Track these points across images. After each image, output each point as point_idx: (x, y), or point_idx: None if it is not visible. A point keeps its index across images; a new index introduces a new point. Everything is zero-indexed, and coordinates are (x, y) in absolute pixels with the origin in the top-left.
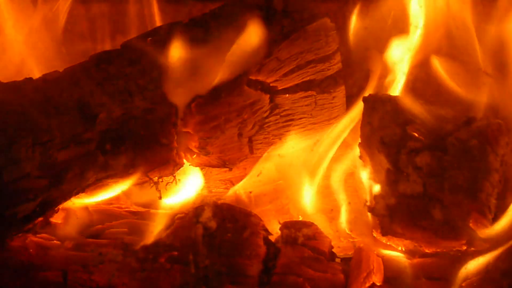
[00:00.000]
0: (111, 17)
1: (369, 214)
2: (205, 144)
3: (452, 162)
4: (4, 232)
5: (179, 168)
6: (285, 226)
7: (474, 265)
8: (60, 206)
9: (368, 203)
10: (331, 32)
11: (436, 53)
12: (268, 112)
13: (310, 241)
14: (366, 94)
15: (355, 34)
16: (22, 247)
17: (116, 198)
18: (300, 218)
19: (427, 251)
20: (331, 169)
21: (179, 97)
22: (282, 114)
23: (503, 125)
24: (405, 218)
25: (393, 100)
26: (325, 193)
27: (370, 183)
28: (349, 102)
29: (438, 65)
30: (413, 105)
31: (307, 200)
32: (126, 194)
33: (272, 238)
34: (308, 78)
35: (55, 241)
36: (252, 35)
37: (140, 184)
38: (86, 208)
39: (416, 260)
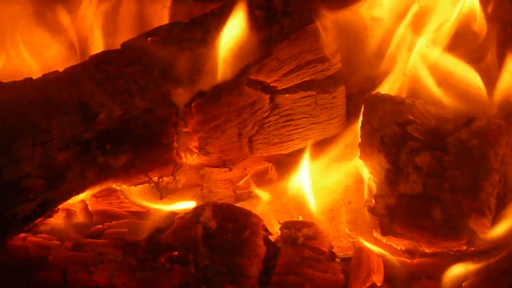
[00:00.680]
0: (110, 16)
1: (369, 214)
2: (205, 144)
3: (452, 162)
4: (4, 232)
5: (179, 168)
6: (285, 226)
7: (474, 265)
8: (60, 206)
9: (368, 203)
10: (331, 32)
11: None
12: (268, 112)
13: (310, 241)
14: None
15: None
16: (22, 247)
17: (116, 198)
18: (300, 218)
19: (427, 251)
20: (331, 169)
21: (179, 97)
22: (282, 114)
23: (503, 125)
24: (405, 218)
25: (393, 100)
26: (325, 193)
27: (370, 183)
28: (349, 102)
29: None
30: (413, 105)
31: (307, 200)
32: (126, 194)
33: (272, 238)
34: (308, 78)
35: (55, 241)
36: (252, 35)
37: (140, 184)
38: (86, 208)
39: (416, 260)
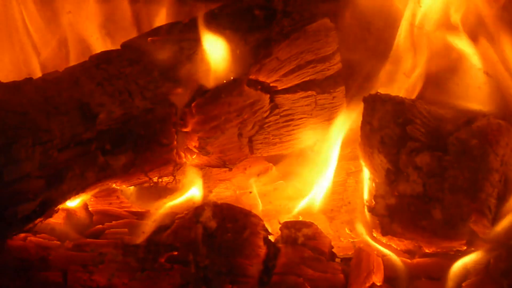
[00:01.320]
0: (110, 16)
1: (369, 214)
2: (205, 144)
3: (452, 162)
4: (4, 232)
5: (179, 168)
6: (285, 226)
7: (474, 265)
8: (60, 206)
9: (368, 203)
10: (331, 32)
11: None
12: (268, 112)
13: (310, 241)
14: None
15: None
16: (22, 247)
17: (116, 198)
18: (300, 218)
19: (427, 251)
20: (331, 169)
21: (179, 97)
22: (282, 114)
23: (503, 125)
24: (405, 218)
25: (393, 100)
26: (325, 193)
27: (370, 183)
28: (349, 102)
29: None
30: (413, 105)
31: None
32: (126, 194)
33: (272, 238)
34: (308, 78)
35: (55, 241)
36: (252, 35)
37: (140, 184)
38: (86, 208)
39: (416, 260)
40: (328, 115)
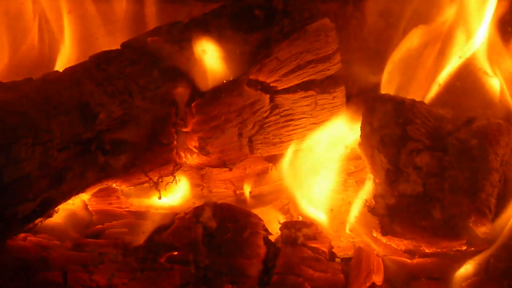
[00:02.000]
0: (111, 16)
1: (369, 214)
2: (205, 144)
3: (452, 162)
4: (4, 232)
5: (179, 168)
6: (285, 226)
7: (474, 265)
8: (60, 206)
9: (368, 203)
10: (331, 32)
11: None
12: (268, 112)
13: (310, 241)
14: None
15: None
16: (22, 247)
17: (116, 198)
18: (300, 218)
19: (427, 251)
20: (331, 169)
21: (179, 97)
22: (282, 114)
23: (503, 125)
24: (405, 218)
25: (393, 100)
26: (326, 193)
27: (370, 183)
28: (349, 102)
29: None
30: (413, 105)
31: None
32: (126, 194)
33: (272, 238)
34: (308, 78)
35: (55, 241)
36: (252, 35)
37: (140, 184)
38: (86, 208)
39: (416, 260)
40: (328, 115)
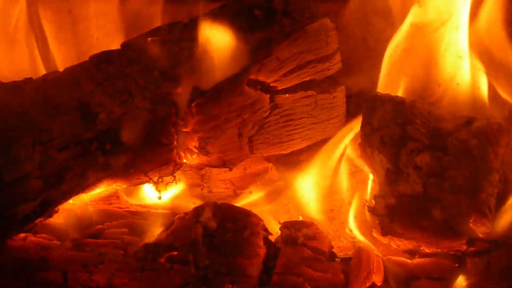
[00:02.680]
0: (111, 16)
1: (369, 214)
2: (205, 144)
3: (452, 162)
4: (4, 232)
5: (179, 168)
6: (285, 226)
7: (474, 265)
8: (60, 206)
9: (368, 203)
10: (331, 32)
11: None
12: (268, 112)
13: (310, 241)
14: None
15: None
16: (22, 247)
17: (116, 198)
18: (300, 218)
19: (427, 251)
20: (331, 169)
21: (179, 97)
22: (282, 114)
23: (503, 125)
24: (405, 218)
25: (393, 100)
26: (325, 193)
27: (370, 183)
28: (349, 102)
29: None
30: (413, 105)
31: (308, 200)
32: (126, 194)
33: (272, 238)
34: (308, 78)
35: (55, 241)
36: (252, 35)
37: (140, 184)
38: (86, 208)
39: (416, 260)
40: (328, 115)
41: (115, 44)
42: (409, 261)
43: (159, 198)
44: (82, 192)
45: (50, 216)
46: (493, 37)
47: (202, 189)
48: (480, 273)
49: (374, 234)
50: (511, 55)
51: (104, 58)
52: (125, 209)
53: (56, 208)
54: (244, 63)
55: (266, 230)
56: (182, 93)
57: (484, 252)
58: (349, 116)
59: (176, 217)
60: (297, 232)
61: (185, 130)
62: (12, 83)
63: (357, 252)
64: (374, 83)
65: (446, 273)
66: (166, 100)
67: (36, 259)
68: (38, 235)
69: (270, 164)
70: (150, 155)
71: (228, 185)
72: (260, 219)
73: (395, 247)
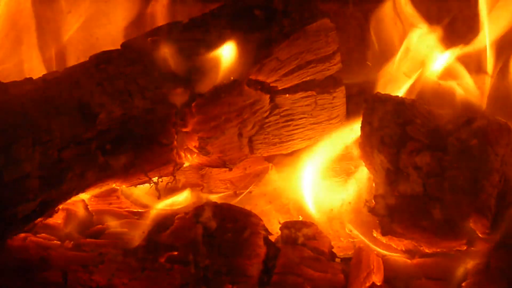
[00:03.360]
0: (111, 16)
1: (369, 214)
2: (205, 144)
3: (452, 162)
4: (4, 232)
5: (179, 168)
6: (285, 226)
7: (474, 265)
8: (60, 206)
9: (368, 203)
10: (331, 32)
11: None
12: (268, 112)
13: (310, 241)
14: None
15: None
16: (22, 247)
17: (116, 198)
18: (300, 218)
19: (427, 251)
20: (331, 169)
21: (179, 97)
22: (282, 114)
23: (503, 125)
24: (405, 218)
25: (393, 100)
26: (325, 193)
27: (370, 183)
28: (349, 102)
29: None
30: (413, 105)
31: (308, 200)
32: (126, 194)
33: (272, 238)
34: (308, 78)
35: (55, 241)
36: (252, 35)
37: (140, 184)
38: (86, 208)
39: (416, 260)
40: (328, 115)
41: (115, 44)
42: (409, 261)
43: (159, 198)
44: (82, 192)
45: (50, 216)
46: None
47: (202, 189)
48: (480, 273)
49: (374, 234)
50: None
51: (104, 58)
52: (125, 209)
53: (56, 208)
54: (244, 63)
55: (266, 230)
56: (182, 93)
57: (484, 252)
58: (349, 116)
59: (176, 217)
60: (297, 232)
61: (185, 130)
62: (12, 83)
63: (357, 252)
64: (374, 83)
65: (446, 273)
66: (166, 100)
67: (36, 259)
68: (38, 235)
69: (270, 164)
70: (150, 155)
71: (228, 185)
72: (260, 219)
73: (395, 247)
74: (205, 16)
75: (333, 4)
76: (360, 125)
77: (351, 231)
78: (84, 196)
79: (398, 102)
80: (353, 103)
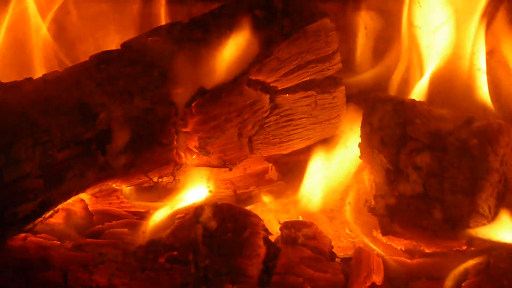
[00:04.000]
0: (111, 16)
1: (369, 214)
2: (205, 144)
3: (452, 162)
4: (4, 232)
5: (179, 168)
6: (285, 226)
7: (474, 265)
8: (60, 206)
9: (368, 203)
10: (331, 32)
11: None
12: (268, 112)
13: (310, 241)
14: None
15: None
16: (22, 247)
17: (116, 198)
18: (300, 218)
19: (427, 251)
20: (331, 169)
21: (179, 97)
22: (282, 114)
23: (503, 125)
24: (405, 218)
25: (393, 100)
26: (325, 193)
27: (370, 183)
28: (349, 102)
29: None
30: (413, 105)
31: (308, 200)
32: (126, 194)
33: (272, 238)
34: (308, 78)
35: (55, 241)
36: (252, 35)
37: (140, 184)
38: (86, 208)
39: (416, 260)
40: (328, 115)
41: (115, 44)
42: (409, 261)
43: (160, 198)
44: (82, 192)
45: (50, 216)
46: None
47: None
48: (480, 273)
49: (374, 234)
50: None
51: (104, 58)
52: (125, 209)
53: (56, 208)
54: (244, 63)
55: (266, 230)
56: (182, 93)
57: (484, 252)
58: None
59: (176, 217)
60: (297, 232)
61: (185, 130)
62: (12, 83)
63: (357, 252)
64: (374, 83)
65: (446, 273)
66: (166, 100)
67: (36, 259)
68: (38, 235)
69: (270, 164)
70: (150, 155)
71: (228, 185)
72: (260, 219)
73: (395, 247)
74: (205, 16)
75: (333, 4)
76: (360, 125)
77: (351, 231)
78: (84, 196)
79: (398, 102)
80: (353, 103)
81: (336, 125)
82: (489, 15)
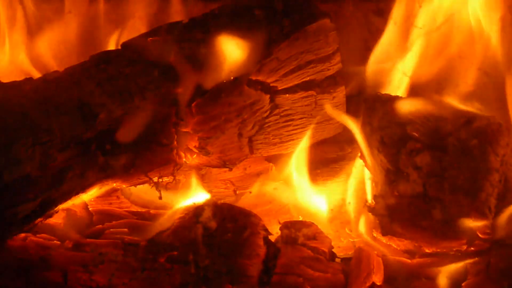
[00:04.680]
0: (111, 16)
1: (369, 214)
2: (205, 144)
3: (452, 162)
4: (4, 232)
5: (179, 168)
6: (285, 226)
7: (474, 265)
8: (60, 206)
9: (368, 203)
10: (331, 32)
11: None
12: (268, 112)
13: (310, 241)
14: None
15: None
16: (22, 247)
17: (116, 198)
18: (300, 218)
19: (427, 251)
20: (331, 169)
21: (179, 97)
22: (282, 114)
23: (503, 125)
24: (405, 218)
25: (393, 100)
26: (325, 193)
27: (370, 183)
28: (349, 102)
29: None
30: (413, 105)
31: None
32: (126, 194)
33: (272, 238)
34: (308, 78)
35: (55, 241)
36: (252, 35)
37: (140, 184)
38: (86, 208)
39: (416, 260)
40: (328, 115)
41: (114, 44)
42: (409, 261)
43: (159, 198)
44: (82, 192)
45: (50, 216)
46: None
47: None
48: (480, 273)
49: (374, 234)
50: None
51: (104, 58)
52: (125, 209)
53: (56, 208)
54: (244, 63)
55: (266, 230)
56: (182, 93)
57: (484, 252)
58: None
59: (176, 217)
60: (297, 232)
61: (185, 130)
62: (12, 83)
63: (357, 252)
64: (375, 83)
65: (446, 273)
66: (166, 100)
67: (36, 259)
68: (38, 235)
69: (270, 164)
70: (150, 155)
71: (228, 185)
72: (260, 219)
73: (395, 247)
74: (206, 16)
75: (333, 4)
76: (360, 125)
77: (351, 231)
78: (84, 196)
79: (398, 102)
80: (353, 103)
81: (336, 125)
82: None
